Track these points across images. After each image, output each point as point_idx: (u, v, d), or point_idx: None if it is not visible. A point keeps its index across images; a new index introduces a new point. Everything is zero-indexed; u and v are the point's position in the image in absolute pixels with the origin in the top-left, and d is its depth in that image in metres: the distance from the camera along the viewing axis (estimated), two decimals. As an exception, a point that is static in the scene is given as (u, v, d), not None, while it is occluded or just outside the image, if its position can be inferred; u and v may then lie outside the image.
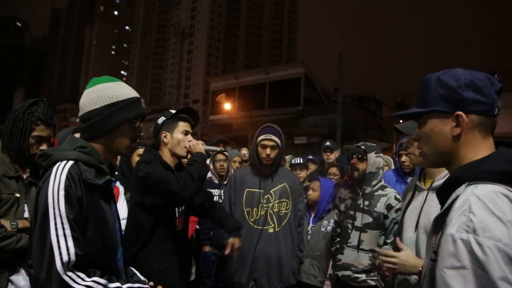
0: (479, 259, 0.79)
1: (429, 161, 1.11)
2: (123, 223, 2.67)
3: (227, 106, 37.82)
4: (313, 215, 3.34)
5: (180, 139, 2.17)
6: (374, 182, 2.72)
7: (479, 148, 0.99)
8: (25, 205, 1.85)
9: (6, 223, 1.72)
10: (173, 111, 2.25)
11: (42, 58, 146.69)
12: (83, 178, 1.26)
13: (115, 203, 1.51)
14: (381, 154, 2.78)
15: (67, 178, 1.22)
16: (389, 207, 2.64)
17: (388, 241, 2.63)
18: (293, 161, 4.10)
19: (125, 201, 2.83)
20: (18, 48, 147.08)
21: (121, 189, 2.84)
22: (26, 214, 1.83)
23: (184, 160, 2.27)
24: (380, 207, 2.65)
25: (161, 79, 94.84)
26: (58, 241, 1.15)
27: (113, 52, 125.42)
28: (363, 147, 2.73)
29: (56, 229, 1.16)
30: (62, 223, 1.17)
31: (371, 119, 46.34)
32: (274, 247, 2.61)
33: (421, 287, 1.05)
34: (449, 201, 0.95)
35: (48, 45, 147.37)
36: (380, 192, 2.71)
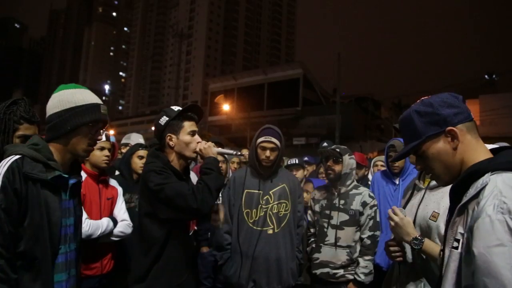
0: None
1: (444, 180, 1.21)
2: (123, 224, 2.68)
3: (226, 107, 37.85)
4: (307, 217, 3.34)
5: (187, 141, 2.03)
6: (348, 182, 2.92)
7: (477, 149, 1.13)
8: None
9: None
10: (175, 109, 2.09)
11: (41, 60, 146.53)
12: (23, 171, 1.39)
13: (76, 200, 1.63)
14: (353, 156, 3.00)
15: (7, 170, 1.37)
16: (364, 204, 2.85)
17: (364, 236, 2.83)
18: (288, 162, 4.09)
19: (123, 202, 2.83)
20: (17, 49, 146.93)
21: (120, 190, 2.84)
22: None
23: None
24: (355, 205, 2.85)
25: (159, 80, 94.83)
26: None
27: (111, 53, 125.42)
28: (337, 150, 2.91)
29: None
30: None
31: (369, 120, 46.41)
32: (274, 248, 2.61)
33: (443, 277, 1.10)
34: (473, 190, 1.04)
35: (47, 46, 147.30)
36: (354, 191, 2.91)
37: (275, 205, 2.67)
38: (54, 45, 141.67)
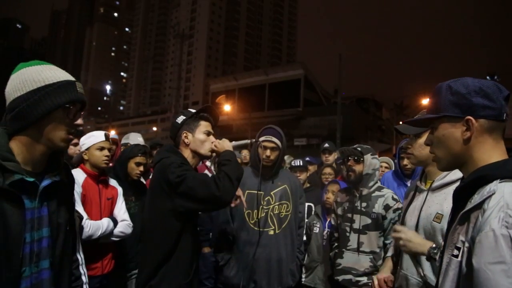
0: None
1: (442, 165, 1.16)
2: (123, 224, 2.67)
3: (227, 107, 37.84)
4: (328, 219, 3.28)
5: (202, 139, 2.06)
6: (370, 184, 2.72)
7: (492, 151, 1.05)
8: None
9: None
10: (193, 110, 2.12)
11: (42, 60, 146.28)
12: None
13: (52, 205, 1.28)
14: (377, 156, 2.80)
15: None
16: (387, 207, 2.64)
17: (387, 241, 2.61)
18: (292, 163, 4.08)
19: (123, 202, 2.82)
20: (18, 49, 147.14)
21: (120, 190, 2.83)
22: None
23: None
24: (378, 208, 2.65)
25: (160, 80, 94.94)
26: None
27: (112, 54, 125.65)
28: (359, 149, 2.74)
29: None
30: None
31: (370, 121, 46.36)
32: (275, 249, 2.60)
33: (440, 283, 1.07)
34: (478, 198, 0.98)
35: (48, 46, 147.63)
36: (377, 193, 2.71)
37: (276, 206, 2.66)
38: (56, 46, 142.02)
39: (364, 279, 2.61)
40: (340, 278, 2.67)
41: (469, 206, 1.00)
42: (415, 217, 1.83)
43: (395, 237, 1.73)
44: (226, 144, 2.06)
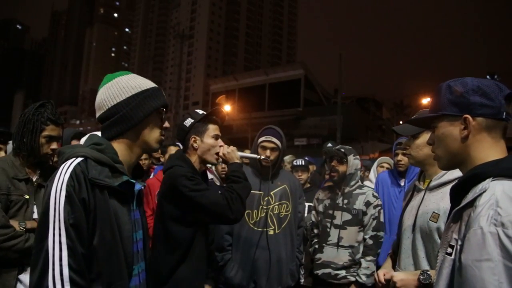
0: (509, 251, 0.83)
1: (442, 163, 1.18)
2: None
3: (227, 107, 37.87)
4: None
5: (211, 144, 2.04)
6: (352, 182, 2.88)
7: (490, 150, 1.05)
8: (34, 206, 1.91)
9: (15, 224, 1.78)
10: (200, 112, 2.10)
11: (42, 61, 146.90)
12: (89, 177, 1.12)
13: (141, 209, 1.38)
14: (358, 156, 2.95)
15: (70, 177, 1.09)
16: (367, 203, 2.81)
17: (367, 236, 2.78)
18: (294, 163, 4.09)
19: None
20: (18, 50, 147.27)
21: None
22: (36, 215, 1.89)
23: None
24: (359, 204, 2.81)
25: (161, 80, 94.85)
26: (53, 249, 1.03)
27: (113, 54, 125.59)
28: (342, 150, 2.89)
29: (53, 235, 1.04)
30: (60, 229, 1.05)
31: (371, 120, 46.39)
32: (275, 249, 2.61)
33: (435, 281, 1.07)
34: (471, 195, 0.99)
35: (48, 47, 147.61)
36: (358, 190, 2.88)
37: (276, 206, 2.67)
38: (56, 46, 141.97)
39: (342, 272, 2.75)
40: (320, 272, 2.81)
41: (462, 203, 1.01)
42: (412, 217, 1.84)
43: (391, 281, 1.68)
44: (235, 155, 2.07)
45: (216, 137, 2.07)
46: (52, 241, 1.04)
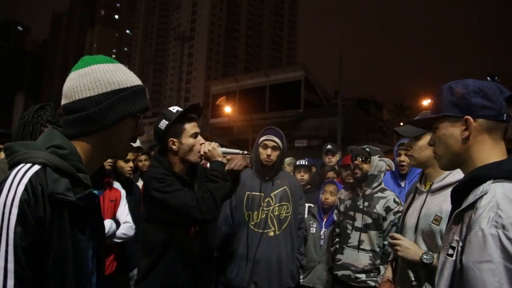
0: (509, 253, 0.84)
1: (442, 163, 1.19)
2: (125, 226, 2.69)
3: (228, 109, 37.87)
4: (325, 219, 3.32)
5: (191, 143, 1.99)
6: (374, 184, 2.80)
7: (491, 151, 1.06)
8: None
9: None
10: (174, 110, 2.01)
11: (43, 62, 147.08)
12: (48, 191, 0.92)
13: (99, 219, 1.18)
14: (384, 159, 2.86)
15: (25, 190, 0.88)
16: (387, 209, 2.72)
17: (385, 242, 2.68)
18: (297, 163, 4.08)
19: (126, 205, 2.84)
20: (19, 52, 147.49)
21: (123, 192, 2.85)
22: None
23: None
24: (379, 208, 2.73)
25: (161, 82, 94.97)
26: None
27: (113, 56, 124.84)
28: (367, 149, 2.82)
29: None
30: (6, 253, 0.85)
31: (371, 122, 46.36)
32: (275, 251, 2.61)
33: (436, 282, 1.08)
34: (472, 197, 1.00)
35: (49, 49, 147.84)
36: (379, 194, 2.79)
37: (276, 207, 2.68)
38: (57, 48, 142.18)
39: (362, 276, 2.69)
40: (340, 273, 2.78)
41: (463, 205, 1.02)
42: (414, 219, 1.84)
43: (393, 243, 1.79)
44: (216, 153, 1.99)
45: (195, 136, 2.01)
46: None
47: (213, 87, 51.65)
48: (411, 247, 1.73)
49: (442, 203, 1.75)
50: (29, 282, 0.88)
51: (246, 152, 2.26)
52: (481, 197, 0.97)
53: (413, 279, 1.76)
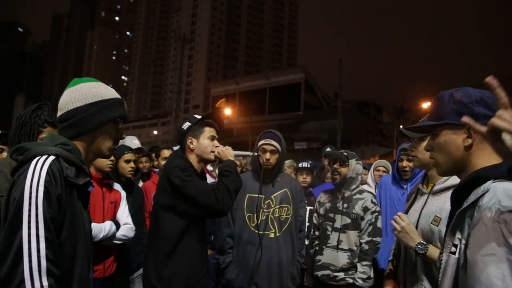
0: (511, 246, 0.89)
1: (442, 170, 1.22)
2: (125, 228, 2.68)
3: (228, 111, 37.95)
4: None
5: (207, 144, 2.16)
6: (353, 187, 2.94)
7: (491, 157, 1.09)
8: None
9: None
10: (198, 117, 2.23)
11: (43, 63, 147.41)
12: (64, 175, 1.19)
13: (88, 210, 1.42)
14: (360, 162, 3.02)
15: (47, 173, 1.14)
16: (365, 209, 2.86)
17: (362, 241, 2.84)
18: (300, 165, 4.08)
19: (126, 206, 2.83)
20: (19, 53, 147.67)
21: (123, 194, 2.84)
22: None
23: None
24: (357, 209, 2.87)
25: (161, 84, 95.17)
26: (29, 241, 1.06)
27: (114, 57, 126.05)
28: (345, 153, 2.96)
29: (29, 228, 1.07)
30: (37, 222, 1.08)
31: (371, 124, 46.47)
32: (275, 252, 2.61)
33: (440, 281, 1.12)
34: (474, 197, 1.04)
35: (49, 50, 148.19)
36: (358, 195, 2.93)
37: (277, 209, 2.68)
38: (57, 49, 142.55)
39: (341, 275, 2.80)
40: (319, 273, 2.87)
41: (465, 205, 1.06)
42: (414, 219, 1.86)
43: (394, 224, 1.82)
44: (229, 153, 2.17)
45: (212, 138, 2.19)
46: (27, 234, 1.06)
47: (213, 89, 51.80)
48: (411, 233, 1.77)
49: (442, 204, 1.77)
50: (56, 245, 1.13)
51: (256, 153, 2.52)
52: (482, 195, 1.01)
53: (413, 268, 1.81)
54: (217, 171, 3.91)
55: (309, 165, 4.02)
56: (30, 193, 1.10)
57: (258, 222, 2.63)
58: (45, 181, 1.12)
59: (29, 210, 1.09)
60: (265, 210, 2.66)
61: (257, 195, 2.68)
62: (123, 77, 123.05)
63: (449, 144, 1.16)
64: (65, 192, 1.18)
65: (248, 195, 2.69)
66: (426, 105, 27.22)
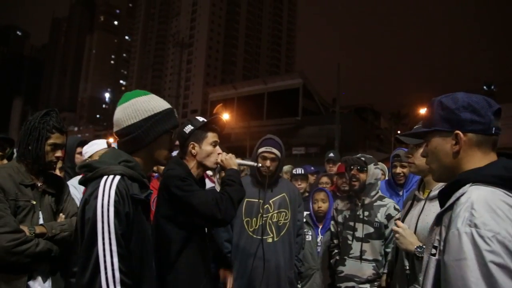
0: (481, 249, 0.89)
1: (436, 176, 1.24)
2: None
3: (226, 116, 37.92)
4: (320, 226, 3.34)
5: (209, 151, 2.09)
6: (373, 193, 2.79)
7: (480, 163, 1.09)
8: (40, 212, 1.92)
9: (25, 228, 1.79)
10: (201, 119, 2.15)
11: (42, 67, 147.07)
12: (130, 193, 1.32)
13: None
14: (379, 166, 2.87)
15: (116, 194, 1.27)
16: (389, 217, 2.71)
17: (388, 250, 2.67)
18: (294, 172, 4.10)
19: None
20: (18, 56, 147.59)
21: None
22: (41, 221, 1.90)
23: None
24: (380, 217, 2.71)
25: (160, 88, 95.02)
26: (104, 256, 1.21)
27: (112, 62, 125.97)
28: (362, 158, 2.79)
29: (103, 244, 1.22)
30: (110, 239, 1.23)
31: (369, 130, 46.57)
32: (273, 257, 2.61)
33: (423, 281, 1.13)
34: (452, 199, 1.05)
35: (48, 54, 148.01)
36: (379, 202, 2.78)
37: (275, 214, 2.69)
38: (56, 53, 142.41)
39: (367, 286, 2.66)
40: (343, 285, 2.72)
41: (443, 208, 1.08)
42: (412, 226, 1.87)
43: (395, 230, 1.85)
44: (232, 162, 2.11)
45: (214, 144, 2.11)
46: (102, 249, 1.22)
47: (211, 94, 51.79)
48: (410, 237, 1.79)
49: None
50: (126, 259, 1.26)
51: (260, 164, 2.47)
52: (458, 198, 1.02)
53: (407, 269, 1.86)
54: (217, 176, 3.90)
55: (303, 171, 4.04)
56: (102, 212, 1.24)
57: (256, 227, 2.64)
58: (115, 201, 1.26)
59: (102, 228, 1.23)
60: (264, 215, 2.66)
61: (255, 200, 2.68)
62: (121, 81, 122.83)
63: (439, 150, 1.17)
64: (132, 208, 1.31)
65: (246, 199, 2.67)
66: (423, 110, 27.31)
